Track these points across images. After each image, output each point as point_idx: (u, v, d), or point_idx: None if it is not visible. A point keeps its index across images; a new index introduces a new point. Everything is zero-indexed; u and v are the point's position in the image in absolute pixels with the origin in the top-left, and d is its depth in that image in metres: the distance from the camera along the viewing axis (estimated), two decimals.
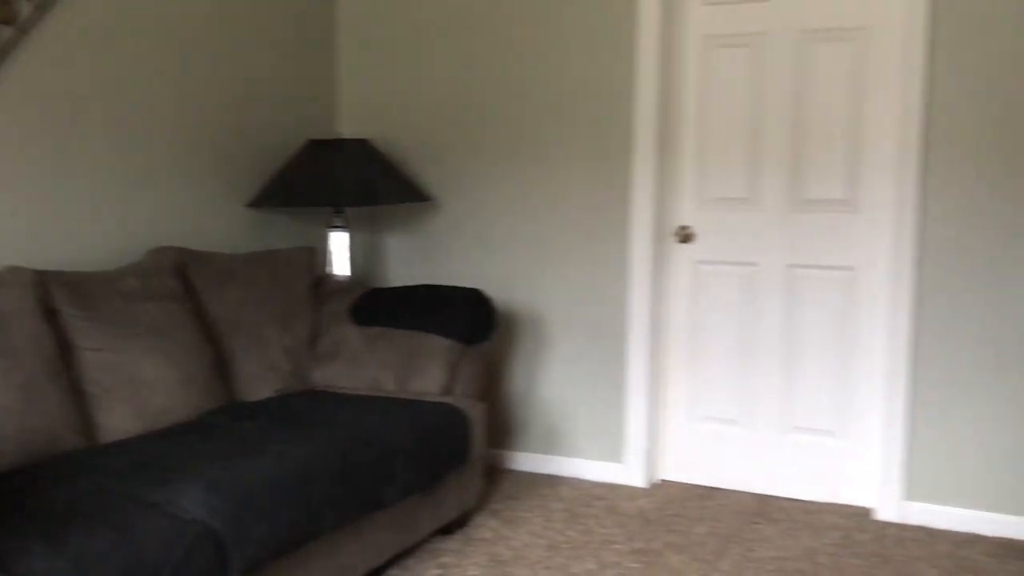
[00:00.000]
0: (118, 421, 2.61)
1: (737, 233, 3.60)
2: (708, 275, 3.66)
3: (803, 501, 3.54)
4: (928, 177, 3.23)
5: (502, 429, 3.93)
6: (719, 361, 3.66)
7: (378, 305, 3.34)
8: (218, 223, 3.48)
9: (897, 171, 3.27)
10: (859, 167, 3.40)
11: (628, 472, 3.70)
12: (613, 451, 3.74)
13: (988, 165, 3.15)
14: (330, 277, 3.59)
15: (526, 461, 3.89)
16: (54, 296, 2.63)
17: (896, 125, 3.29)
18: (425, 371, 3.13)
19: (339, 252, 3.65)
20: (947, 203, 3.21)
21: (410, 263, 4.04)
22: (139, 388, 2.66)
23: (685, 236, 3.67)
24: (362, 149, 3.56)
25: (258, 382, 3.08)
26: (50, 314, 2.59)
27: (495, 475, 3.81)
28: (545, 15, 3.70)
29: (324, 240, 3.89)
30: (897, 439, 3.32)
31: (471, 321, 3.22)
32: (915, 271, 3.26)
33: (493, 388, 3.93)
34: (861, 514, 3.41)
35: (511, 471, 3.88)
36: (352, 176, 3.47)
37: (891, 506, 3.34)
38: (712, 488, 3.68)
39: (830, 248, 3.47)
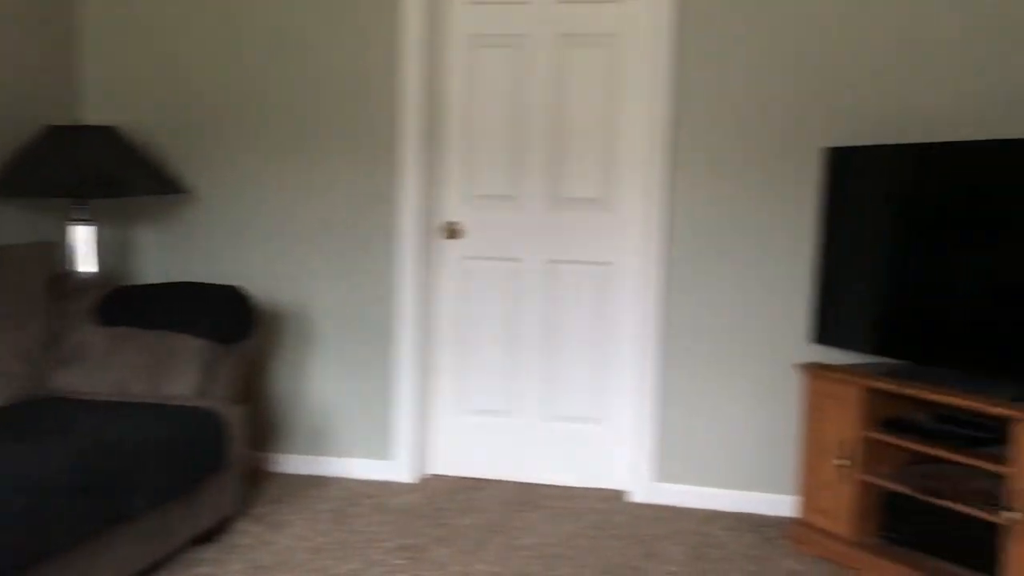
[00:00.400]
0: None
1: (501, 229, 3.68)
2: (475, 270, 3.71)
3: (565, 487, 3.68)
4: (676, 177, 3.44)
5: (267, 431, 3.81)
6: (485, 354, 3.73)
7: (126, 304, 3.14)
8: None
9: (647, 172, 3.46)
10: (613, 167, 3.56)
11: (396, 468, 3.70)
12: (381, 448, 3.72)
13: (730, 166, 3.40)
14: (73, 274, 3.32)
15: (292, 463, 3.79)
16: None
17: (646, 128, 3.48)
18: (177, 373, 2.97)
19: (83, 247, 3.39)
20: (693, 202, 3.44)
21: (165, 259, 3.82)
22: None
23: (452, 232, 3.71)
24: (107, 136, 3.32)
25: None
26: None
27: (259, 479, 3.69)
28: (308, 4, 3.61)
29: (66, 235, 3.60)
30: (648, 425, 3.52)
31: (227, 319, 3.08)
32: (664, 266, 3.46)
33: (256, 389, 3.80)
34: (617, 497, 3.58)
35: (276, 474, 3.76)
36: (95, 165, 3.23)
37: (644, 488, 3.54)
38: (479, 479, 3.74)
39: (587, 244, 3.62)
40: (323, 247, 3.70)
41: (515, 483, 3.72)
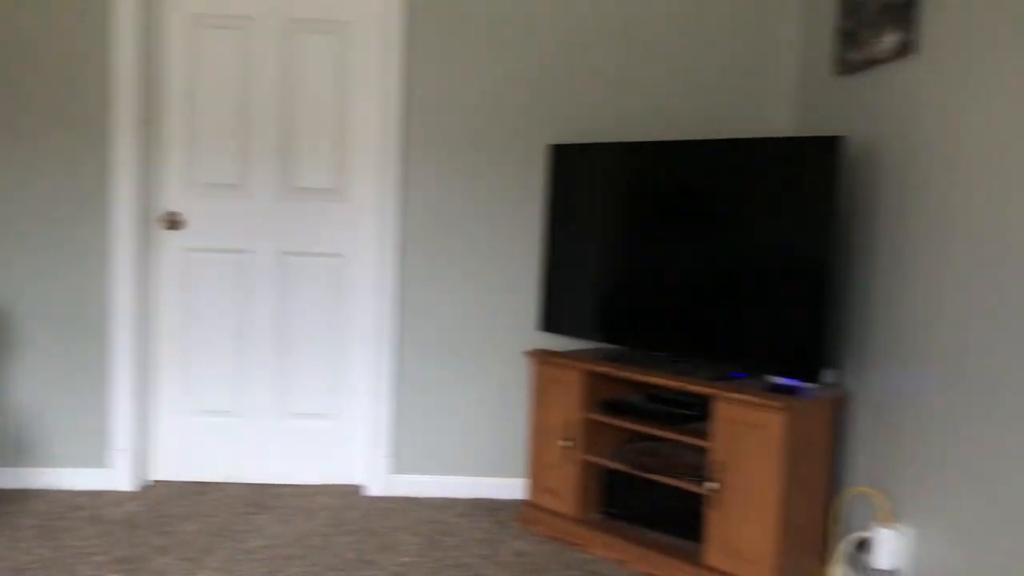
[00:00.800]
0: None
1: (228, 220, 3.52)
2: (199, 263, 3.53)
3: (299, 486, 3.58)
4: (408, 170, 3.44)
5: None
6: (213, 352, 3.55)
7: None
8: None
9: (380, 162, 3.44)
10: (346, 158, 3.51)
11: (114, 476, 3.44)
12: (97, 456, 3.44)
13: (463, 159, 3.45)
14: None
15: None
16: None
17: (378, 119, 3.46)
18: None
19: None
20: (427, 194, 3.45)
21: None
22: None
23: (173, 223, 3.50)
24: None
25: None
26: None
27: None
28: None
29: None
30: (384, 418, 3.50)
31: None
32: (398, 258, 3.46)
33: None
34: (354, 492, 3.54)
35: None
36: None
37: (379, 481, 3.52)
38: (207, 483, 3.56)
39: (321, 236, 3.54)
40: (27, 240, 3.36)
41: (246, 485, 3.57)
